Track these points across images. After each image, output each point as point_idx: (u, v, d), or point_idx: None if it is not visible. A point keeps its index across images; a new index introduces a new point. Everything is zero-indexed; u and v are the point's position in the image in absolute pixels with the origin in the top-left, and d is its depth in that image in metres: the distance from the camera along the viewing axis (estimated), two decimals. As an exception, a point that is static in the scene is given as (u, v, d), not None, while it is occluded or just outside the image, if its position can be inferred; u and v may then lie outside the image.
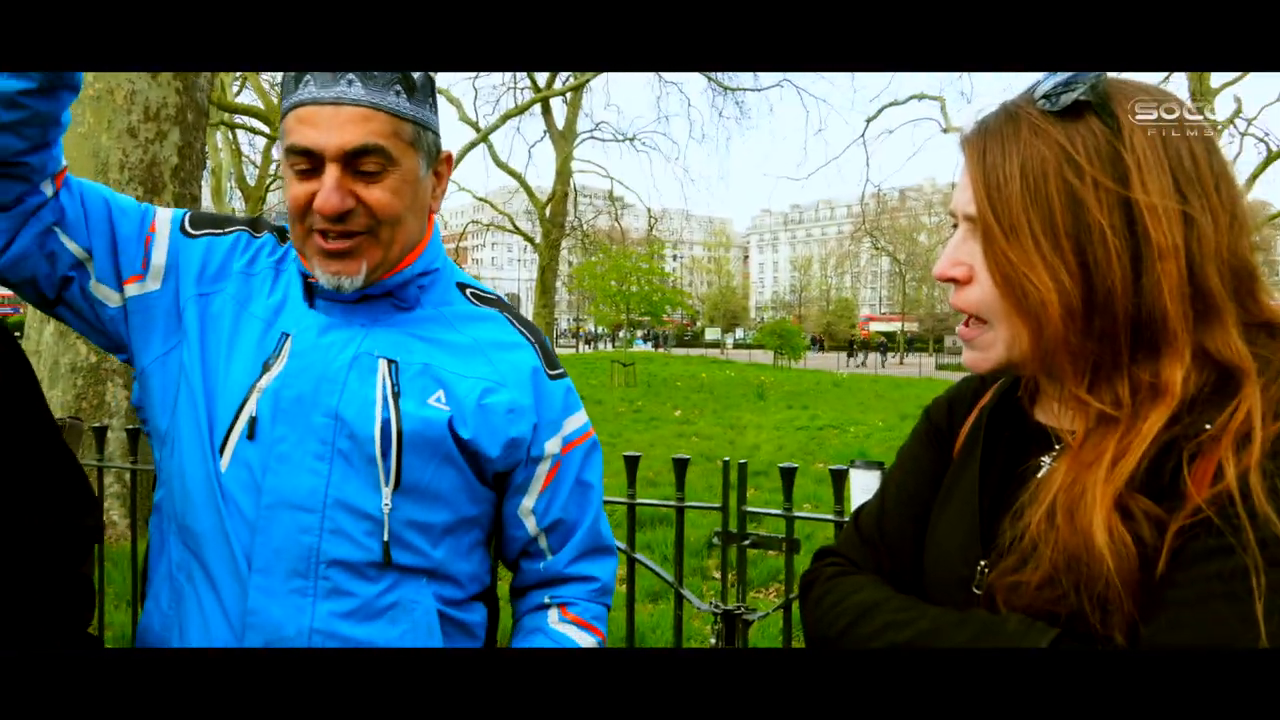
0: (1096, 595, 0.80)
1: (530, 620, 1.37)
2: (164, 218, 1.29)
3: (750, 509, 2.41)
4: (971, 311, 0.93)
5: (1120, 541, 0.79)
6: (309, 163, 1.14)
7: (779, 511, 2.36)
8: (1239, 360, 0.81)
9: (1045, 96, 0.87)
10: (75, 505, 1.19)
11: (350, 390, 1.19)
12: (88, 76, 5.42)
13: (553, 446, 1.32)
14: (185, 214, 1.31)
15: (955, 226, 0.95)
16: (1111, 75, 0.88)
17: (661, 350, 53.47)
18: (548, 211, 30.51)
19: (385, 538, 1.19)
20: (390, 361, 1.22)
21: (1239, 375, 0.81)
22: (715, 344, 67.80)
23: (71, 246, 1.20)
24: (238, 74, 21.19)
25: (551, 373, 1.33)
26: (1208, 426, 0.79)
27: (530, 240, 33.48)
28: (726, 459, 2.43)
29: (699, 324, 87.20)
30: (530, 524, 1.33)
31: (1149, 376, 0.84)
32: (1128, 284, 0.83)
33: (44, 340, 5.58)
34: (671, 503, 2.44)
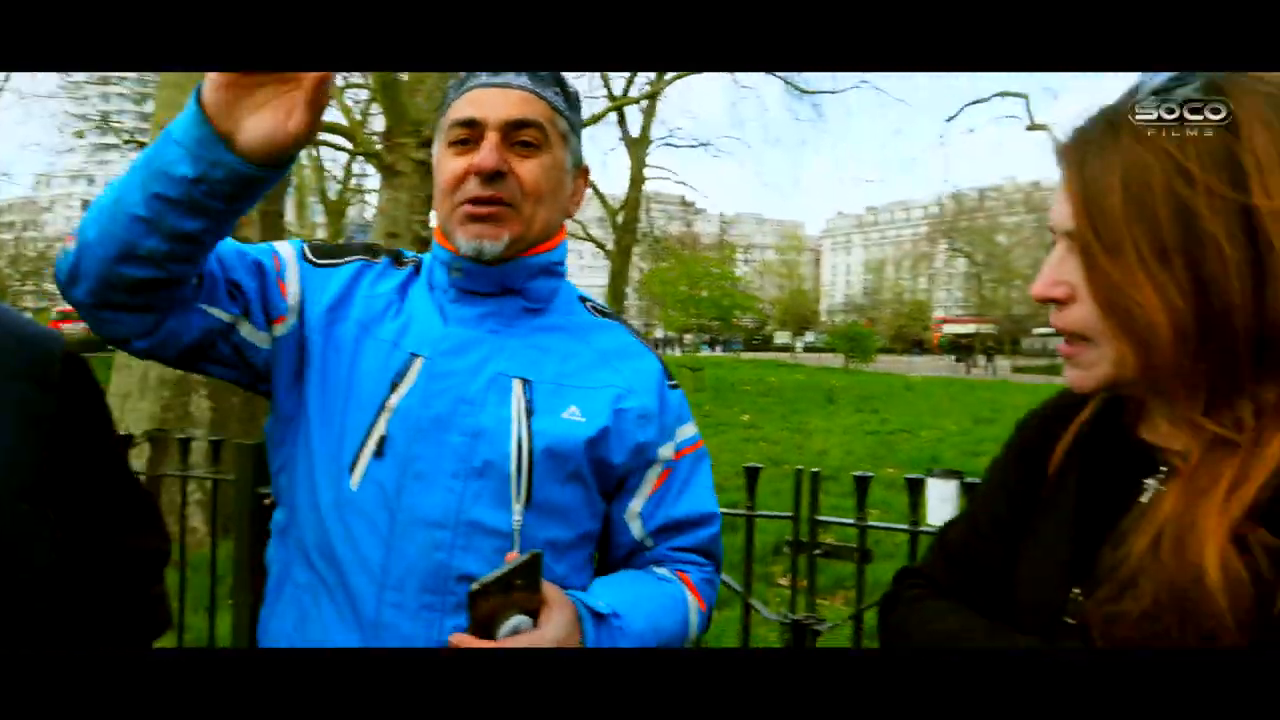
0: (1204, 632, 0.74)
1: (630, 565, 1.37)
2: (288, 253, 1.31)
3: (822, 518, 2.38)
4: (1074, 331, 0.87)
5: (1235, 578, 0.73)
6: (469, 133, 1.21)
7: (851, 520, 2.32)
8: None
9: (1152, 93, 0.81)
10: (141, 528, 1.22)
11: (488, 410, 1.22)
12: (182, 100, 5.59)
13: (666, 452, 1.33)
14: (303, 245, 1.35)
15: (1054, 243, 0.89)
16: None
17: (728, 354, 53.20)
18: (620, 218, 30.67)
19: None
20: (524, 381, 1.25)
21: None
22: (784, 348, 67.25)
23: (220, 315, 1.20)
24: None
25: (670, 382, 1.37)
26: None
27: (602, 246, 33.70)
28: (800, 467, 2.40)
29: (768, 328, 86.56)
30: (636, 527, 1.34)
31: (1275, 397, 0.78)
32: (1248, 298, 0.76)
33: (134, 349, 5.81)
34: (741, 511, 2.42)
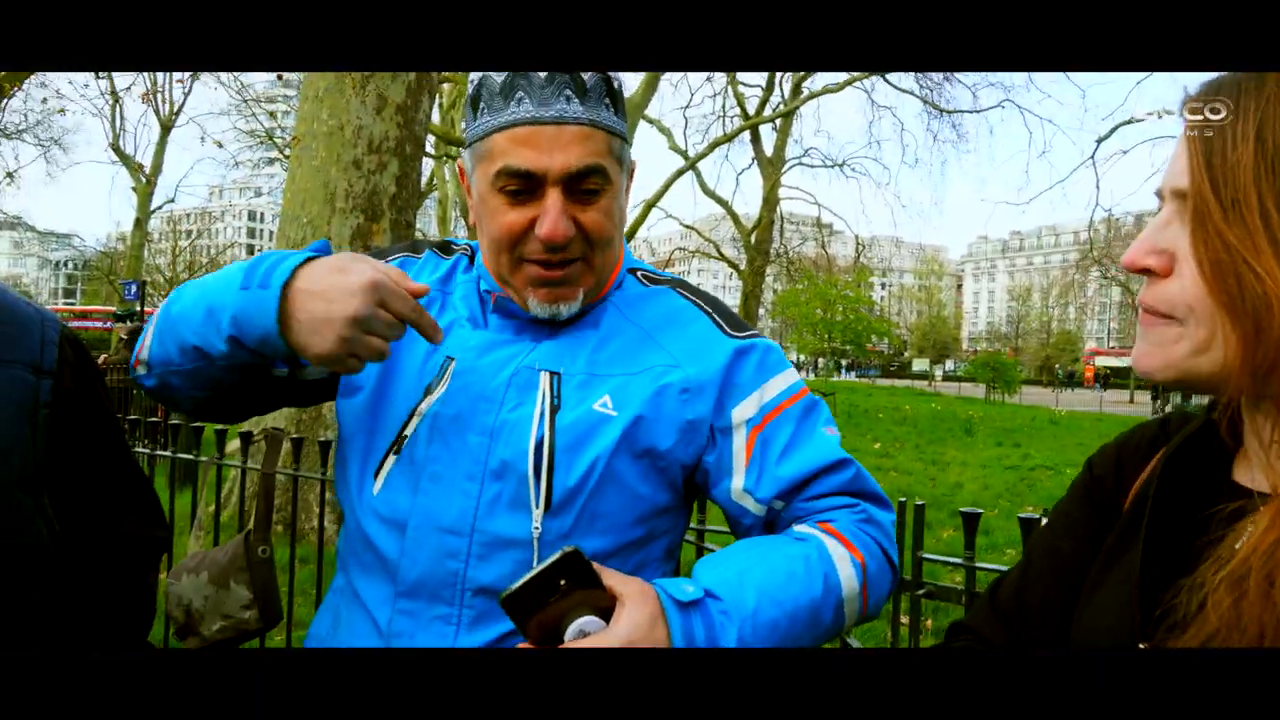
0: None
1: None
2: None
3: (927, 555, 2.23)
4: (1165, 311, 0.74)
5: None
6: (524, 185, 1.09)
7: (959, 560, 2.17)
8: None
9: None
10: (139, 515, 1.22)
11: (507, 407, 1.14)
12: (321, 113, 5.93)
13: (745, 412, 1.17)
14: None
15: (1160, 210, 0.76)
16: None
17: (863, 380, 52.09)
18: (753, 238, 30.49)
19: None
20: (553, 374, 1.16)
21: None
22: (923, 375, 65.30)
23: (276, 371, 1.23)
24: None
25: (737, 334, 1.22)
26: None
27: (735, 267, 33.56)
28: (904, 499, 2.27)
29: (906, 354, 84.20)
30: (750, 504, 1.18)
31: None
32: None
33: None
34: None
